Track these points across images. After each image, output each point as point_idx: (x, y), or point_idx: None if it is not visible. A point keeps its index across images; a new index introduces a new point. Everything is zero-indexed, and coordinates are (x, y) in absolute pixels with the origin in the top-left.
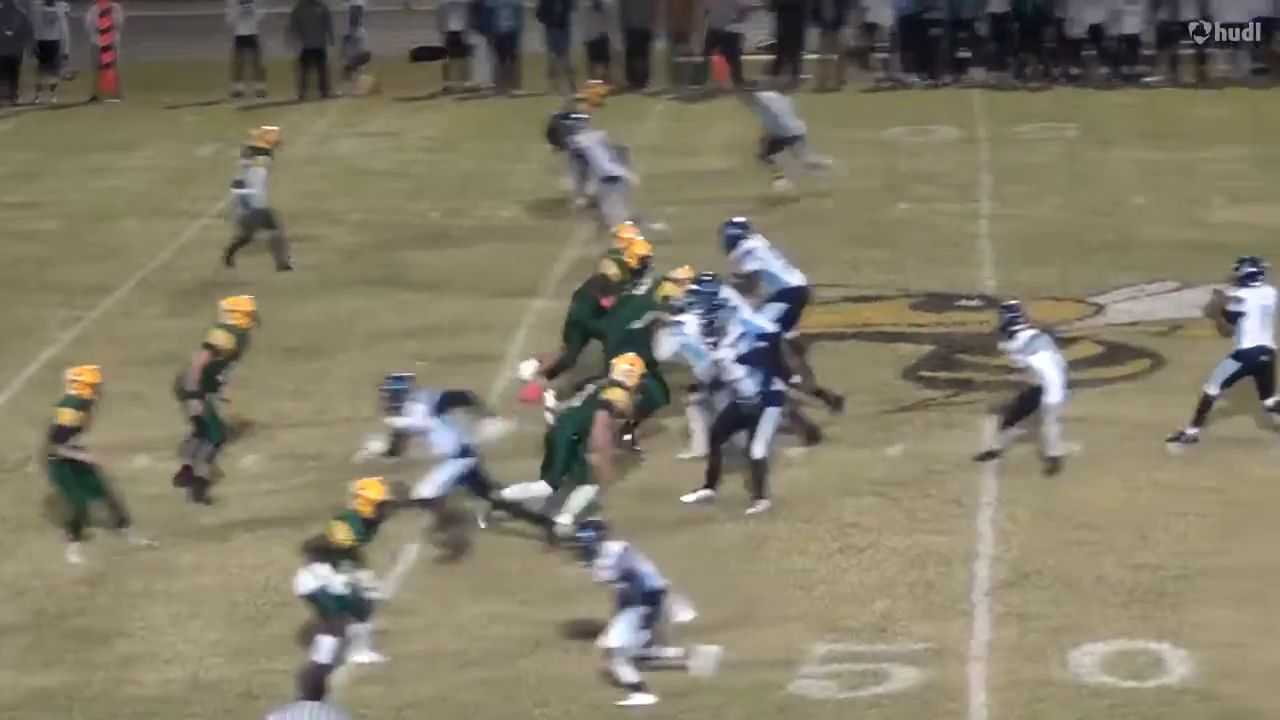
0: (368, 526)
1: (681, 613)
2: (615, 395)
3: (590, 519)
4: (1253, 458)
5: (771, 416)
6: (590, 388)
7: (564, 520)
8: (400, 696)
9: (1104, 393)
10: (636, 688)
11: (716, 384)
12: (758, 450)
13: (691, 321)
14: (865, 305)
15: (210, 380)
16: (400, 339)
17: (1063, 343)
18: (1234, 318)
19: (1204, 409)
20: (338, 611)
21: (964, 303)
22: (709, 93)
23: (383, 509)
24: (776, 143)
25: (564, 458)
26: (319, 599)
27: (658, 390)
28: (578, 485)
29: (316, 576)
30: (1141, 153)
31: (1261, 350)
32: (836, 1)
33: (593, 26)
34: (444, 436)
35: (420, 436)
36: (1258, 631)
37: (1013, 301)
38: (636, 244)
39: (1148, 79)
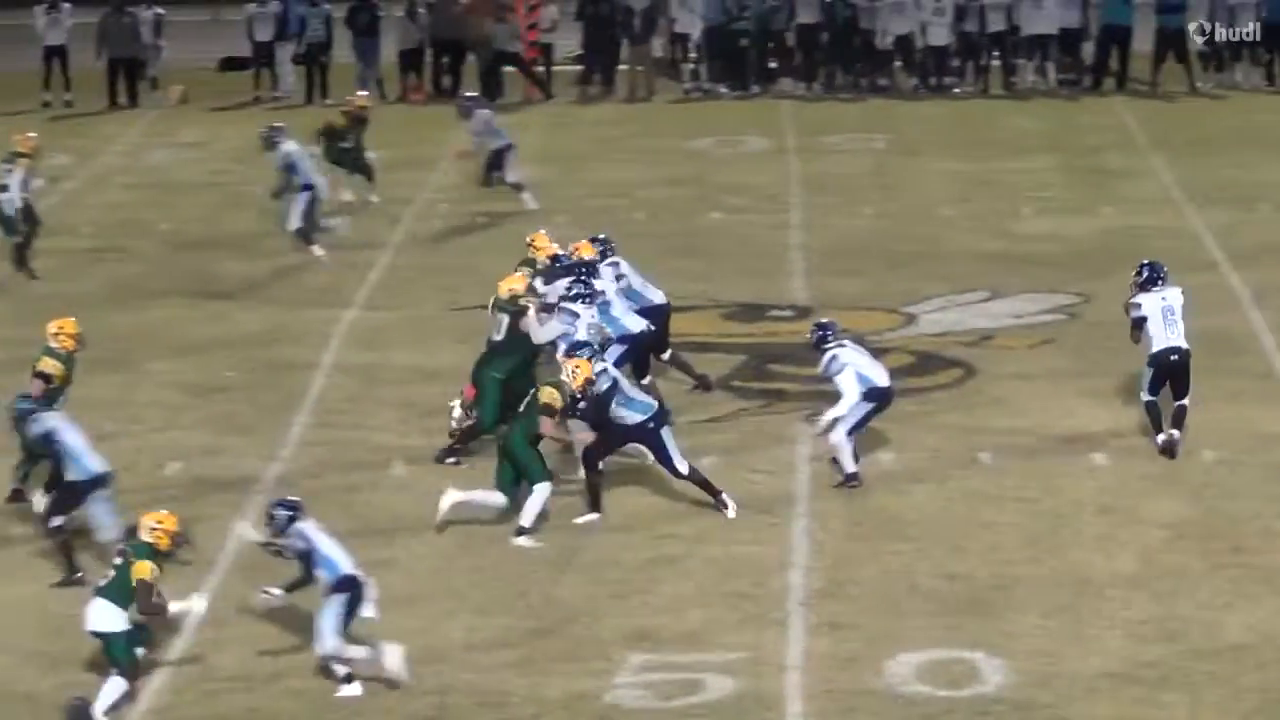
0: (166, 557)
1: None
2: (549, 395)
3: (287, 499)
4: (1063, 469)
5: (669, 433)
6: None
7: (523, 524)
8: (213, 708)
9: (915, 402)
10: (347, 680)
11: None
12: (682, 469)
13: (584, 312)
14: (677, 316)
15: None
16: (211, 349)
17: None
18: (1138, 324)
19: (1153, 415)
20: (126, 654)
21: (776, 313)
22: (519, 104)
23: (178, 540)
24: (496, 157)
25: (521, 461)
26: (108, 640)
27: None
28: (534, 485)
29: (106, 617)
30: (950, 164)
31: (1170, 350)
32: (645, 12)
33: (405, 36)
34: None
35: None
36: (1069, 641)
37: (824, 320)
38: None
39: (955, 90)
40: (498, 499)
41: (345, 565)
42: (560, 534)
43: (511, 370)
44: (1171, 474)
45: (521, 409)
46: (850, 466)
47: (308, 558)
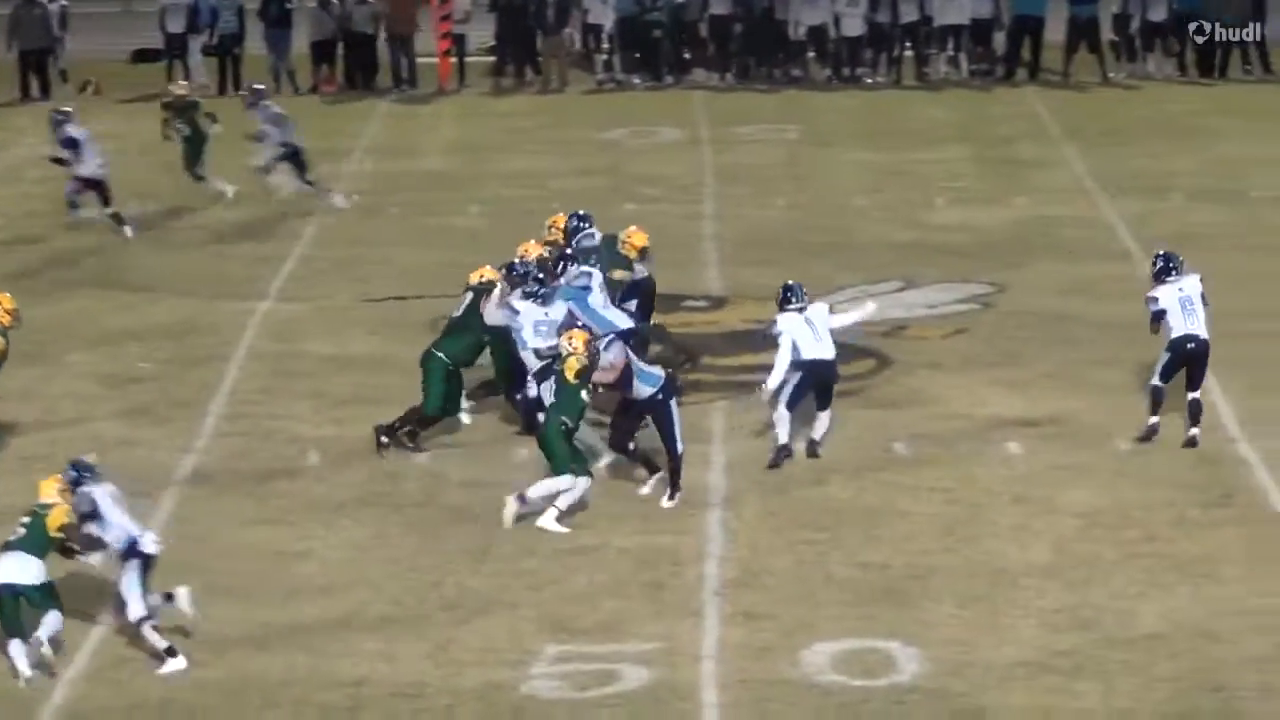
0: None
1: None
2: (572, 365)
3: (81, 459)
4: (978, 458)
5: (673, 409)
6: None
7: (528, 493)
8: (127, 697)
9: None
10: (169, 653)
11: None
12: (677, 448)
13: (527, 310)
14: None
15: None
16: (124, 341)
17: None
18: (1156, 317)
19: (1155, 399)
20: (41, 602)
21: (690, 303)
22: (432, 94)
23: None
24: (289, 153)
25: (549, 451)
26: (25, 593)
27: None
28: (556, 473)
29: (22, 569)
30: (863, 154)
31: (1188, 338)
32: (558, 3)
33: (317, 27)
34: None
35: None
36: (983, 630)
37: (791, 283)
38: (636, 237)
39: (868, 81)
40: (566, 481)
41: (133, 530)
42: (476, 524)
43: (458, 354)
44: (1085, 463)
45: (551, 399)
46: (783, 439)
47: (93, 520)
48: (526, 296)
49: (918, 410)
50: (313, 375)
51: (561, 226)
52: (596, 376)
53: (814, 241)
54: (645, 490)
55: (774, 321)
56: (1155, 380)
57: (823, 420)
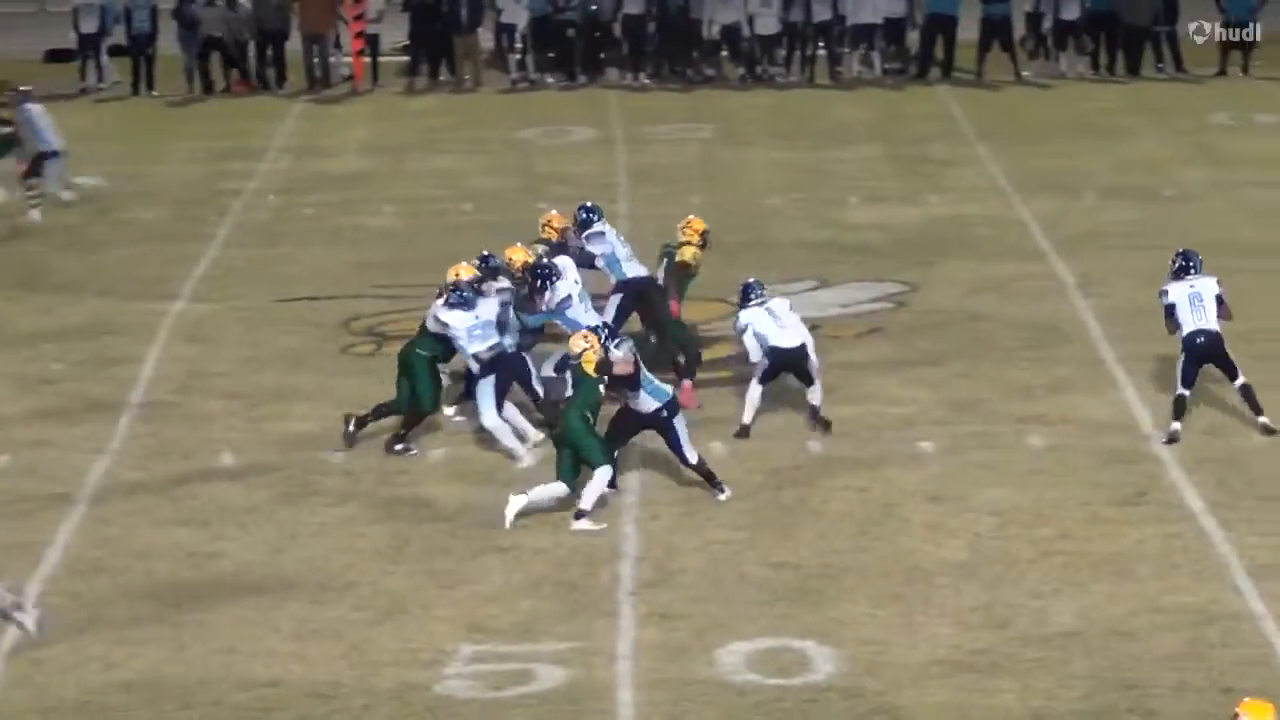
0: None
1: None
2: (590, 359)
3: None
4: (892, 457)
5: (681, 421)
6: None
7: (582, 507)
8: (44, 700)
9: (743, 392)
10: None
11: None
12: (691, 458)
13: (456, 318)
14: None
15: None
16: (38, 342)
17: (705, 342)
18: (1168, 312)
19: (1178, 406)
20: None
21: (603, 303)
22: (345, 95)
23: None
24: (40, 158)
25: (579, 446)
26: None
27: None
28: (594, 469)
29: None
30: (777, 153)
31: (1197, 333)
32: (471, 3)
33: (226, 28)
34: None
35: None
36: (898, 628)
37: (750, 281)
38: (695, 223)
39: (782, 80)
40: (558, 489)
41: None
42: (388, 524)
43: (439, 350)
44: (999, 462)
45: (570, 392)
46: (747, 419)
47: None
48: (451, 306)
49: (832, 409)
50: (227, 375)
51: (556, 225)
52: (616, 368)
53: (728, 241)
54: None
55: (737, 318)
56: (1178, 389)
57: (815, 392)
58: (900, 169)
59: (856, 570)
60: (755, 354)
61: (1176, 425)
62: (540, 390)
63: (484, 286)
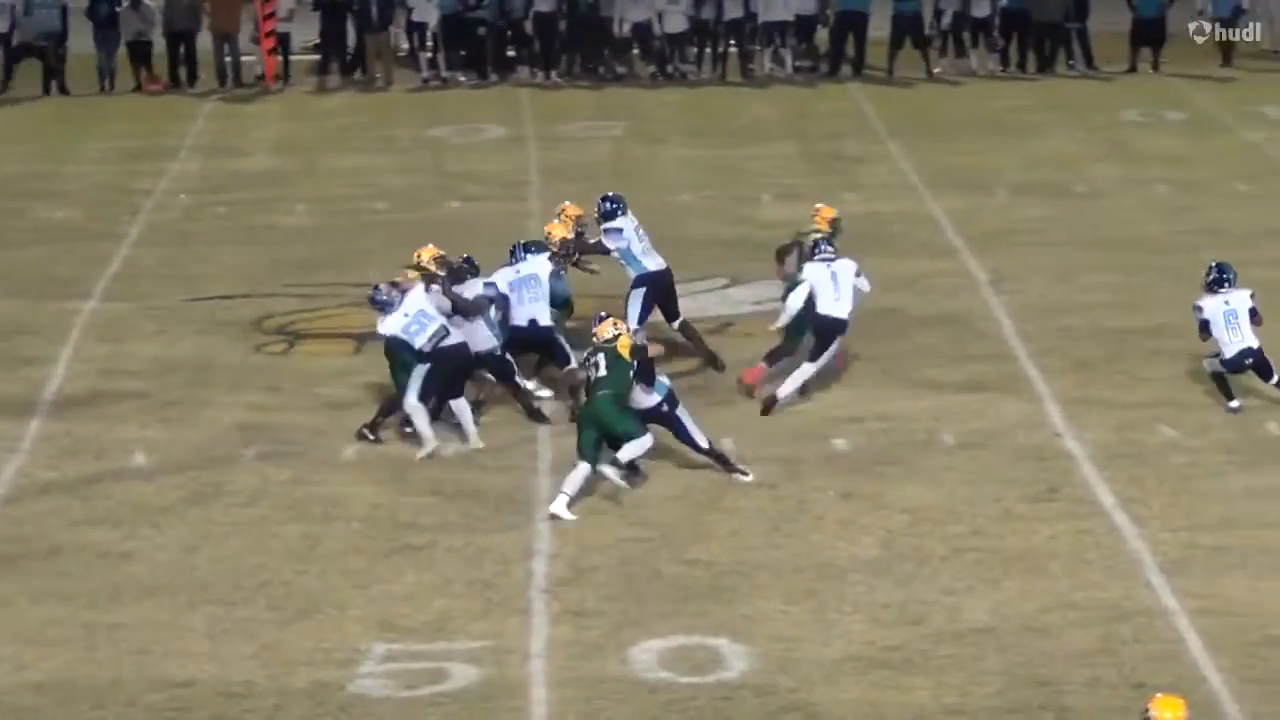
0: None
1: None
2: (625, 343)
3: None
4: (805, 454)
5: (684, 413)
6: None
7: (620, 458)
8: None
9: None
10: None
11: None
12: (702, 444)
13: (389, 322)
14: None
15: None
16: None
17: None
18: (1203, 327)
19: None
20: None
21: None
22: (257, 94)
23: None
24: None
25: (615, 428)
26: None
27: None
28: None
29: None
30: (688, 151)
31: (1244, 354)
32: (381, 1)
33: (133, 27)
34: None
35: None
36: (811, 625)
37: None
38: (826, 211)
39: (693, 77)
40: (582, 469)
41: None
42: (300, 524)
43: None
44: (911, 459)
45: (595, 379)
46: (787, 391)
47: None
48: (376, 312)
49: (745, 406)
50: (139, 375)
51: (571, 215)
52: (651, 350)
53: None
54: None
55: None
56: (1231, 406)
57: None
58: (812, 166)
59: (769, 567)
60: (793, 309)
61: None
62: (522, 383)
63: (468, 283)
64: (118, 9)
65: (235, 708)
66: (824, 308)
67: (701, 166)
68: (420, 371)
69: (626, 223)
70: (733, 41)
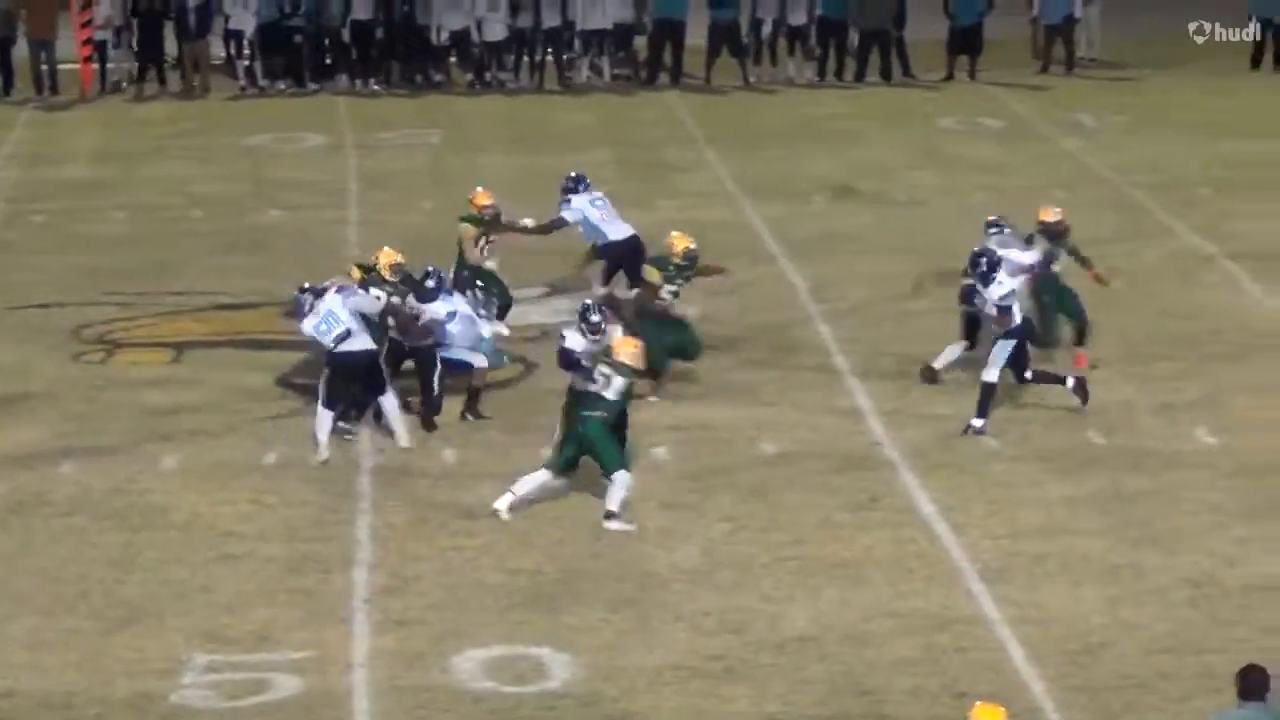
0: None
1: None
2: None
3: None
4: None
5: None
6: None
7: (611, 509)
8: None
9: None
10: None
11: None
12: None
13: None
14: (240, 313)
15: None
16: None
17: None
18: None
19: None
20: None
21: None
22: (73, 102)
23: None
24: None
25: (597, 450)
26: None
27: None
28: (611, 476)
29: None
30: (506, 159)
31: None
32: (198, 9)
33: None
34: None
35: None
36: (633, 635)
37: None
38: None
39: (511, 85)
40: (541, 476)
41: None
42: (120, 533)
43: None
44: (732, 467)
45: (592, 395)
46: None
47: None
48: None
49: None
50: None
51: (480, 202)
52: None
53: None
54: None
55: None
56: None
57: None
58: (630, 174)
59: (591, 576)
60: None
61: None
62: (437, 389)
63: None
64: None
65: (56, 718)
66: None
67: (520, 174)
68: (323, 377)
69: (581, 199)
70: (550, 49)
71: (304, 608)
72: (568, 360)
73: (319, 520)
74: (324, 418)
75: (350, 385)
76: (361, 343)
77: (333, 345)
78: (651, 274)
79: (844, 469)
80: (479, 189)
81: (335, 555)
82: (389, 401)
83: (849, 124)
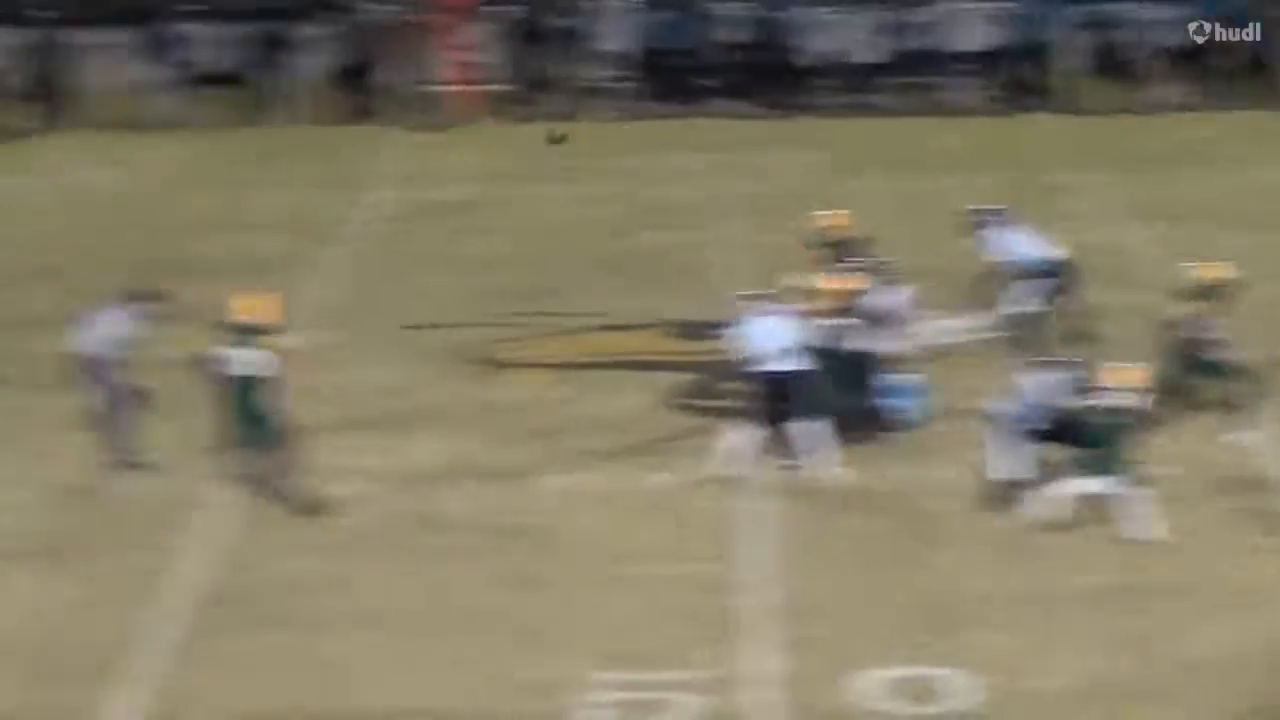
0: None
1: None
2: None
3: None
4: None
5: None
6: None
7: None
8: None
9: None
10: None
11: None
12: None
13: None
14: (621, 334)
15: None
16: None
17: None
18: None
19: None
20: None
21: None
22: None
23: None
24: None
25: None
26: None
27: None
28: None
29: None
30: (883, 181)
31: None
32: (576, 32)
33: None
34: None
35: None
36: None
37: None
38: None
39: (882, 106)
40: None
41: None
42: (511, 554)
43: None
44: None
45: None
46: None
47: None
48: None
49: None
50: None
51: None
52: None
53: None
54: None
55: None
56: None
57: None
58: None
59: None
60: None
61: None
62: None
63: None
64: None
65: None
66: None
67: (894, 197)
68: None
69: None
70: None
71: (701, 627)
72: None
73: (714, 539)
74: (747, 437)
75: (777, 405)
76: (791, 363)
77: (765, 366)
78: None
79: None
80: (832, 213)
81: (729, 575)
82: (815, 426)
83: None
